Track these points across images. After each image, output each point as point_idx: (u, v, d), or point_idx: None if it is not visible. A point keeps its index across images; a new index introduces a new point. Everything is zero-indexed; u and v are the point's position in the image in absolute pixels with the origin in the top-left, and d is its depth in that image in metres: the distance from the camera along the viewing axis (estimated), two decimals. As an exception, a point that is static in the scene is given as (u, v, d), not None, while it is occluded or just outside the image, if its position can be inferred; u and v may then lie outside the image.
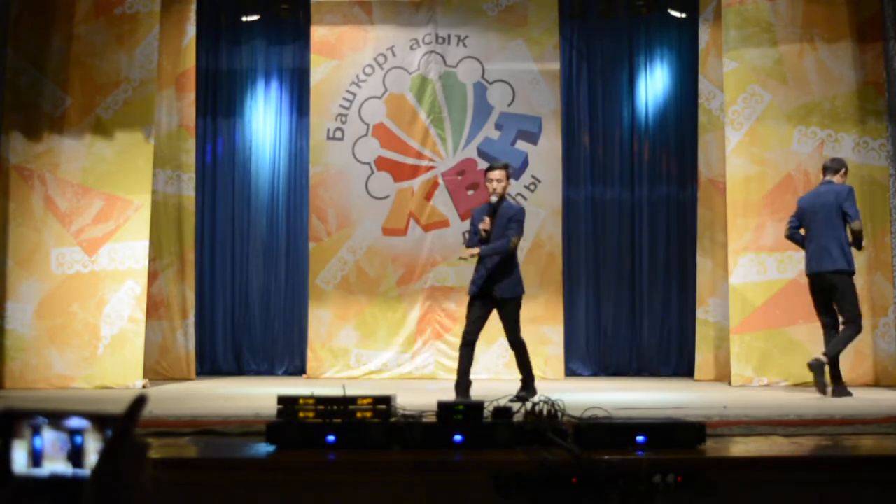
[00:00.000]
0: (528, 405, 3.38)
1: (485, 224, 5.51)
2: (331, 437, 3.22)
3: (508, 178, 5.65)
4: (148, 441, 1.03)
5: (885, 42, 7.03)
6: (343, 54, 8.16)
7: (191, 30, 7.89)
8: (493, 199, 5.57)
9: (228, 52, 8.71)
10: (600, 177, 8.66)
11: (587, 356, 8.50)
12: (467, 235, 5.72)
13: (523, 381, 5.65)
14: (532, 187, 8.13)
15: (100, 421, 1.05)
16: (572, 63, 8.62)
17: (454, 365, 5.82)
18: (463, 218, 7.94)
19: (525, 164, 8.15)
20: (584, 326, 8.51)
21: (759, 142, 7.27)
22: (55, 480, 1.02)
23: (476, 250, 5.52)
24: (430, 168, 8.07)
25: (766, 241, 7.22)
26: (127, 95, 7.16)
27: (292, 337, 8.58)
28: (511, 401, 3.89)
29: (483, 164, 8.20)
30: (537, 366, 7.88)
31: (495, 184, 5.57)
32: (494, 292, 5.55)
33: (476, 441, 3.23)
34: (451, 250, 7.90)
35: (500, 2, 8.16)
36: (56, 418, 1.04)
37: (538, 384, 5.90)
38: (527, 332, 7.98)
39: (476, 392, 5.52)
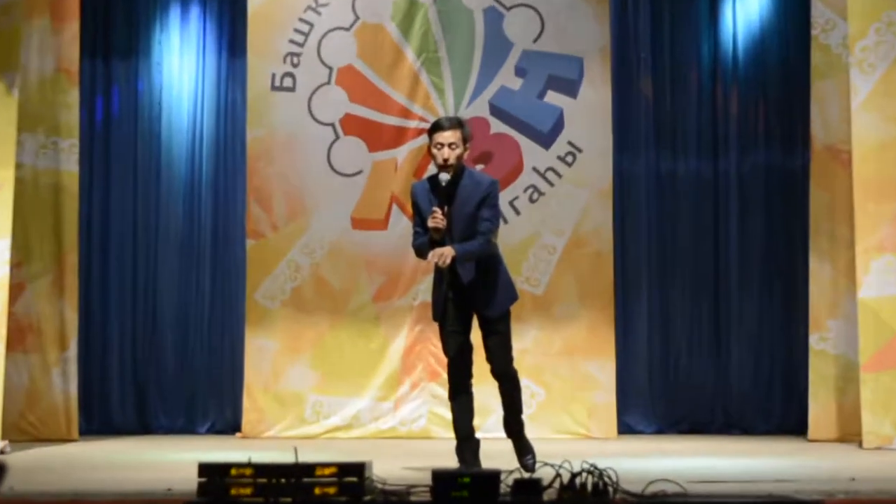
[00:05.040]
0: (566, 474, 3.39)
1: (437, 219, 5.33)
2: (277, 524, 3.23)
3: (466, 141, 5.48)
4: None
5: None
6: (294, -34, 8.19)
7: (72, -66, 7.87)
8: (445, 176, 5.44)
9: (127, -36, 8.70)
10: (668, 142, 8.57)
11: (650, 405, 8.44)
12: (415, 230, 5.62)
13: (514, 436, 5.61)
14: (569, 159, 8.08)
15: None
16: (628, -21, 8.63)
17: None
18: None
19: (559, 125, 8.09)
20: (645, 361, 8.44)
21: (900, 92, 7.28)
22: None
23: (449, 251, 5.31)
24: (420, 132, 8.01)
25: (911, 236, 7.23)
26: (-24, 26, 7.16)
27: (220, 377, 8.51)
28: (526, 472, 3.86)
29: (498, 127, 8.15)
30: (578, 419, 7.92)
31: (447, 151, 5.42)
32: (479, 311, 5.53)
33: (490, 529, 3.24)
34: (450, 250, 7.88)
35: None
36: None
37: (580, 444, 5.79)
38: (563, 369, 8.05)
39: (487, 455, 5.47)
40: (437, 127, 5.52)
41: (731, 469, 5.72)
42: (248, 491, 3.32)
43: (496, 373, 5.55)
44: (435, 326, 5.83)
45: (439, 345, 5.75)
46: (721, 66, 8.62)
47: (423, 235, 5.53)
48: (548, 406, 7.90)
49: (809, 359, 7.75)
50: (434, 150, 5.49)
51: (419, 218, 5.55)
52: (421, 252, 5.57)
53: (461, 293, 5.50)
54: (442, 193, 5.43)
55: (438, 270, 5.50)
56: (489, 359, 5.54)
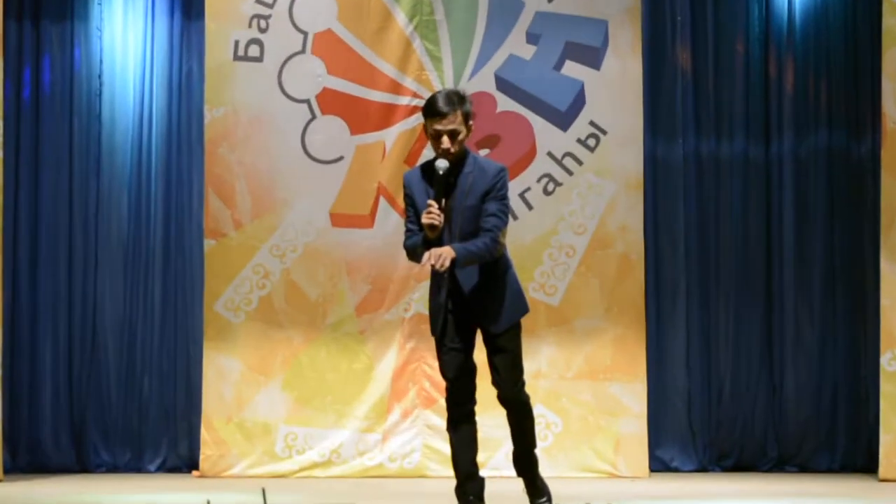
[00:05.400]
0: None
1: (433, 215, 5.32)
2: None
3: (468, 119, 5.42)
4: None
5: None
6: (261, -88, 8.18)
7: None
8: (443, 163, 5.38)
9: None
10: (711, 123, 8.59)
11: (689, 437, 8.46)
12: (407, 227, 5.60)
13: (526, 474, 5.62)
14: (591, 142, 8.07)
15: None
16: (661, -71, 8.63)
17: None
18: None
19: (579, 102, 8.10)
20: (683, 384, 8.46)
21: None
22: None
23: (448, 253, 5.23)
24: (413, 110, 8.00)
25: None
26: None
27: (174, 405, 8.50)
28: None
29: (506, 104, 8.16)
30: (603, 454, 7.94)
31: (446, 140, 5.37)
32: (483, 324, 5.52)
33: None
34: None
35: None
36: None
37: (604, 484, 5.72)
38: (585, 395, 8.05)
39: (493, 497, 5.49)
40: (433, 111, 5.41)
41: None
42: (201, 542, 3.30)
43: (504, 398, 5.50)
44: (430, 343, 5.83)
45: (436, 365, 5.70)
46: (774, 32, 8.60)
47: (416, 234, 5.49)
48: (566, 438, 7.91)
49: (880, 382, 7.74)
50: (433, 141, 5.44)
51: (412, 213, 5.51)
52: (414, 254, 5.52)
53: (462, 303, 5.47)
54: (439, 184, 5.37)
55: (436, 276, 5.44)
56: (495, 382, 5.49)
